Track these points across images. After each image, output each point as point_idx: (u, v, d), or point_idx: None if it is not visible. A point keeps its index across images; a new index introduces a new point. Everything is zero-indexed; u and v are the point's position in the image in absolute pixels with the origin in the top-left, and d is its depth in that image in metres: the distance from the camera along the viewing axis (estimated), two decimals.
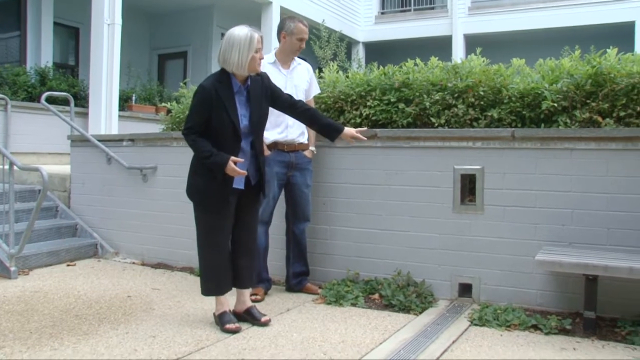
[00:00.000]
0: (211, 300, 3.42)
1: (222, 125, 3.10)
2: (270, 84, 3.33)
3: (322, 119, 3.37)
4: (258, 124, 3.19)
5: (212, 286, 3.30)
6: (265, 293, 4.00)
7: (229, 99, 3.11)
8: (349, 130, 3.34)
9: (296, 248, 4.10)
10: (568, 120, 3.69)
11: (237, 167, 3.07)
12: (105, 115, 7.60)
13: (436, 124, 4.07)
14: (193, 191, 3.23)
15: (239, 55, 3.12)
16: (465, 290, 3.90)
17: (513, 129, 3.76)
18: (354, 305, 3.75)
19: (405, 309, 3.65)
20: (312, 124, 3.39)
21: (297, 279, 4.14)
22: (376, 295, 3.88)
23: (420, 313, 3.59)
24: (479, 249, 3.82)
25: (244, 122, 3.16)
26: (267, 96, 3.28)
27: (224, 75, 3.15)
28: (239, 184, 3.21)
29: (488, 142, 3.79)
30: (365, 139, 3.23)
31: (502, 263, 3.76)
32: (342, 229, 4.26)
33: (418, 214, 4.00)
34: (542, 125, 3.80)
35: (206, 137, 3.11)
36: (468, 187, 3.91)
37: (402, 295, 3.73)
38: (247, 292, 3.41)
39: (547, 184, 3.64)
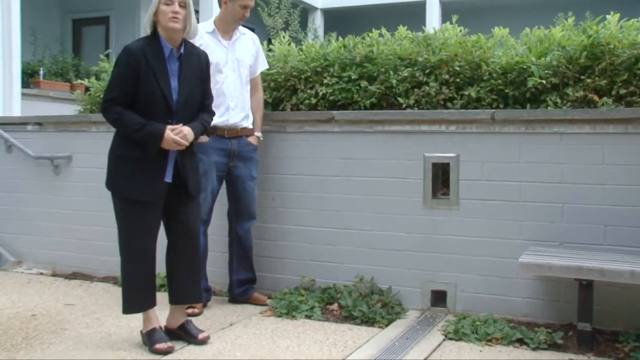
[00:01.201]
0: (139, 315, 3.22)
1: (152, 97, 2.99)
2: (207, 71, 3.25)
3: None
4: (185, 103, 3.08)
5: (134, 302, 3.14)
6: (204, 305, 3.84)
7: (160, 64, 3.01)
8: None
9: (240, 251, 3.96)
10: (558, 100, 3.61)
11: (179, 139, 2.97)
12: (3, 93, 6.96)
13: (404, 105, 3.97)
14: (114, 180, 3.09)
15: (151, 7, 3.08)
16: (439, 298, 3.82)
17: (493, 110, 3.69)
18: (308, 317, 3.66)
19: (368, 321, 3.57)
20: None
21: (242, 288, 3.99)
22: (335, 306, 3.80)
23: (387, 326, 3.52)
24: (455, 251, 3.75)
25: (174, 95, 3.06)
26: (201, 79, 3.20)
27: (153, 38, 3.08)
28: (167, 177, 3.09)
29: (464, 126, 3.71)
30: (187, 143, 3.04)
31: (481, 267, 3.70)
32: (294, 228, 4.17)
33: (383, 209, 3.92)
34: (528, 105, 3.73)
35: (133, 110, 3.02)
36: (441, 178, 3.87)
37: (365, 306, 3.65)
38: (183, 305, 3.29)
39: (533, 174, 3.58)
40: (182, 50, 3.10)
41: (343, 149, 4.01)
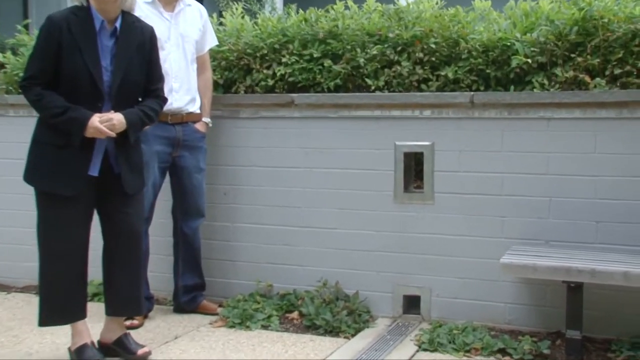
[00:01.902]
0: (66, 330, 3.11)
1: (77, 77, 2.88)
2: (154, 50, 3.14)
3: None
4: (120, 86, 2.96)
5: (55, 312, 3.01)
6: (145, 316, 3.75)
7: (88, 38, 2.89)
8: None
9: (187, 254, 3.91)
10: (546, 81, 3.61)
11: (103, 127, 2.86)
12: None
13: (373, 87, 3.94)
14: (32, 172, 2.98)
15: None
16: (412, 304, 3.82)
17: (473, 93, 3.68)
18: (265, 327, 3.64)
19: (333, 330, 3.56)
20: None
21: (189, 295, 3.93)
22: (295, 314, 3.79)
23: (353, 336, 3.51)
24: (429, 251, 3.75)
25: (106, 75, 2.94)
26: (144, 58, 3.07)
27: (82, 8, 2.96)
28: (91, 171, 2.98)
29: (440, 111, 3.70)
30: (112, 134, 2.92)
31: (459, 268, 3.70)
32: (249, 226, 4.13)
33: (349, 205, 3.90)
34: (512, 87, 3.72)
35: (56, 92, 2.92)
36: (414, 169, 3.89)
37: (329, 313, 3.64)
38: (120, 318, 3.22)
39: (517, 164, 3.58)
40: (117, 23, 2.93)
41: (304, 136, 3.97)
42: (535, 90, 3.60)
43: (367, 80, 3.93)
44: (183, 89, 3.69)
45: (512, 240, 3.54)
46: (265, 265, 4.07)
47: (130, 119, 2.96)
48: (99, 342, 3.13)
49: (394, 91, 3.90)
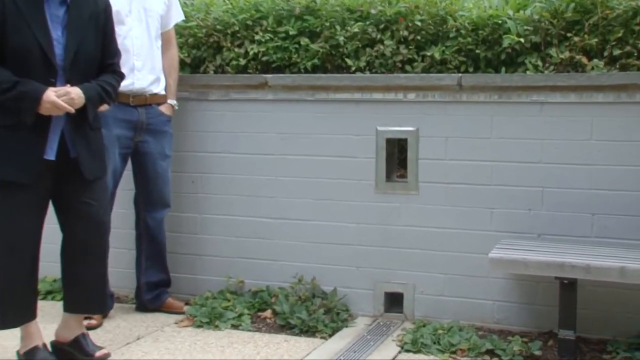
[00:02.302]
0: (15, 331, 3.03)
1: (26, 50, 2.80)
2: (110, 22, 3.10)
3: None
4: (74, 59, 2.90)
5: (11, 313, 2.96)
6: (104, 315, 3.71)
7: (35, 8, 2.82)
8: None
9: (151, 247, 3.87)
10: (540, 63, 3.59)
11: (60, 101, 2.79)
12: None
13: (353, 68, 3.93)
14: None
15: None
16: (394, 302, 3.82)
17: (461, 74, 3.66)
18: (235, 327, 3.61)
19: (309, 330, 3.55)
20: None
21: (154, 293, 3.88)
22: (268, 312, 3.78)
23: (331, 336, 3.50)
24: (413, 245, 3.74)
25: (58, 48, 2.86)
26: (99, 30, 3.03)
27: None
28: (48, 154, 2.89)
29: (425, 94, 3.68)
30: (71, 109, 2.85)
31: (444, 264, 3.70)
32: (218, 218, 4.11)
33: (327, 195, 3.88)
34: (503, 69, 3.70)
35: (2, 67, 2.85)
36: (397, 157, 3.89)
37: (305, 312, 3.63)
38: (80, 316, 3.17)
39: (507, 152, 3.57)
40: None
41: (278, 121, 3.94)
42: (528, 72, 3.58)
43: (347, 60, 3.91)
44: (146, 67, 3.64)
45: (501, 234, 3.53)
46: (236, 260, 4.04)
47: (88, 94, 2.89)
48: (53, 342, 3.08)
49: (376, 72, 3.88)
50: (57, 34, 2.83)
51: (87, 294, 3.10)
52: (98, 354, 3.04)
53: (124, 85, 3.46)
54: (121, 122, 3.56)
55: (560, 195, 3.47)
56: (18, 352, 2.96)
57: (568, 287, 3.13)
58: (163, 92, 3.75)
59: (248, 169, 4.00)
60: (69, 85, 2.87)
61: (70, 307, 3.08)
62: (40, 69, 2.79)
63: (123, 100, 3.52)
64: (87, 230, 3.04)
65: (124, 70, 3.41)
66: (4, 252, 2.87)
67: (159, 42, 3.72)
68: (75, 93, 2.83)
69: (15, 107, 2.76)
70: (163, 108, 3.75)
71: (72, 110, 2.80)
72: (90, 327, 3.43)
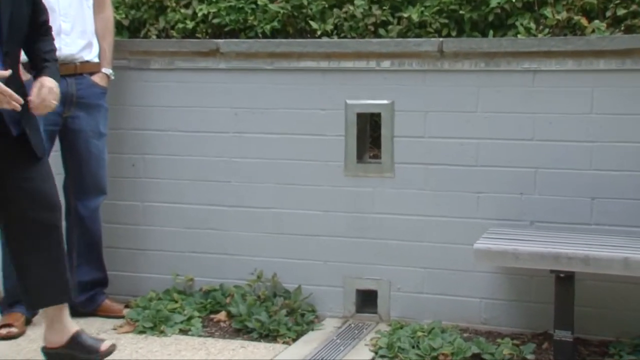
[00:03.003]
0: None
1: None
2: None
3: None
4: (11, 27, 2.88)
5: None
6: (28, 321, 3.60)
7: None
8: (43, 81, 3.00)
9: (84, 241, 3.78)
10: (532, 25, 3.59)
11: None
12: None
13: (319, 32, 3.92)
14: None
15: None
16: (367, 301, 3.79)
17: (442, 39, 3.62)
18: (184, 332, 3.55)
19: (269, 334, 3.51)
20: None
21: (87, 294, 3.78)
22: (222, 315, 3.72)
23: (295, 340, 3.47)
24: (388, 235, 3.70)
25: None
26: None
27: None
28: None
29: (402, 62, 3.62)
30: (54, 104, 3.00)
31: (424, 257, 3.66)
32: (164, 206, 4.05)
33: (289, 179, 3.85)
34: (491, 32, 3.70)
35: None
36: (370, 134, 3.86)
37: (265, 313, 3.59)
38: (66, 308, 3.13)
39: (495, 128, 3.53)
40: None
41: (232, 94, 3.85)
42: (519, 36, 3.60)
43: (311, 23, 3.92)
44: (76, 31, 3.56)
45: (489, 222, 3.51)
46: (185, 255, 3.99)
47: (57, 78, 3.01)
48: (45, 349, 3.04)
49: (345, 37, 3.90)
50: None
51: (51, 280, 3.07)
52: (103, 347, 3.05)
53: None
54: None
55: (555, 177, 3.45)
56: None
57: (564, 282, 3.09)
58: (96, 60, 3.68)
59: (197, 149, 3.92)
60: (4, 55, 2.83)
61: (37, 302, 3.07)
62: None
63: None
64: (41, 210, 3.03)
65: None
66: None
67: (91, 1, 3.61)
68: (54, 86, 2.90)
69: None
70: (96, 78, 3.69)
71: (53, 106, 2.90)
72: (9, 336, 3.38)
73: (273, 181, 3.83)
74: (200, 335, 3.50)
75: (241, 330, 3.53)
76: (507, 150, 3.51)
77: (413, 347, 3.25)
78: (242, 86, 3.84)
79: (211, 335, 3.52)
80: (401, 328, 3.44)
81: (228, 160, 3.91)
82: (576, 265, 2.96)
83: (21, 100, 2.85)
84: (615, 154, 3.38)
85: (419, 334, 3.34)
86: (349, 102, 3.69)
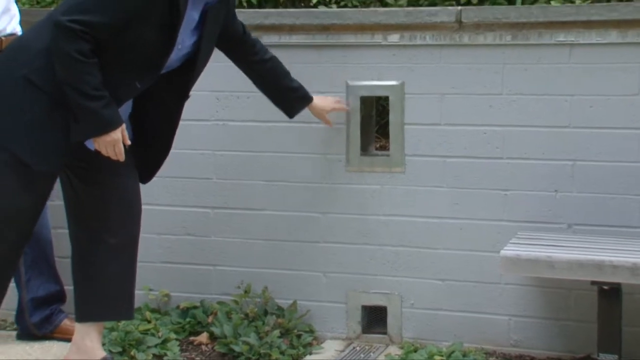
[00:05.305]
0: None
1: (142, 46, 2.96)
2: (232, 4, 3.37)
3: (286, 79, 3.51)
4: (200, 63, 3.16)
5: None
6: None
7: (182, 5, 2.97)
8: (323, 100, 3.52)
9: (32, 250, 3.69)
10: None
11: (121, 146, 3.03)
12: None
13: (315, 1, 4.06)
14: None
15: None
16: (375, 319, 3.76)
17: (460, 7, 3.56)
18: (160, 357, 3.53)
19: (259, 359, 3.48)
20: (267, 85, 3.55)
21: (43, 313, 3.72)
22: (204, 337, 3.69)
23: None
24: (399, 241, 3.65)
25: (182, 52, 3.07)
26: (220, 27, 3.26)
27: None
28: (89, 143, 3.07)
29: (414, 35, 3.58)
30: (349, 109, 3.49)
31: (441, 266, 3.62)
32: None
33: (282, 176, 3.82)
34: (518, 0, 3.67)
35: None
36: (376, 122, 3.88)
37: (254, 334, 3.55)
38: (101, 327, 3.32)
39: (524, 112, 3.48)
40: None
41: (213, 74, 3.68)
42: (553, 2, 3.61)
43: None
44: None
45: (518, 224, 3.46)
46: (159, 266, 3.95)
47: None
48: None
49: (345, 6, 3.98)
50: (183, 35, 3.00)
51: (112, 292, 3.21)
52: None
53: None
54: None
55: (597, 171, 3.39)
56: None
57: (609, 296, 3.06)
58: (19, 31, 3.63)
59: (182, 141, 3.73)
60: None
61: (89, 312, 3.16)
62: (139, 72, 2.97)
63: None
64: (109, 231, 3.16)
65: None
66: None
67: None
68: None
69: (76, 114, 2.90)
70: None
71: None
72: None
73: (262, 178, 3.79)
74: None
75: (226, 355, 3.52)
76: (538, 140, 3.46)
77: None
78: (224, 65, 3.68)
79: None
80: (415, 351, 3.45)
81: (209, 153, 3.87)
82: (622, 275, 2.93)
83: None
84: None
85: (437, 358, 3.34)
86: (350, 83, 3.66)
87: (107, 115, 2.94)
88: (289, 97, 3.57)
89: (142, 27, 2.96)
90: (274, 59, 3.55)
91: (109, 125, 2.94)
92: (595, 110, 3.38)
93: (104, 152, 3.00)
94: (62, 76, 2.93)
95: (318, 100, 3.58)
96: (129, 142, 3.09)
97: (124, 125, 3.00)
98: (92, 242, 3.26)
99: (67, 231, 3.85)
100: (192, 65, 3.20)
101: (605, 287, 3.02)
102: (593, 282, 3.03)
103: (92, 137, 3.00)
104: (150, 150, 3.36)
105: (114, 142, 2.97)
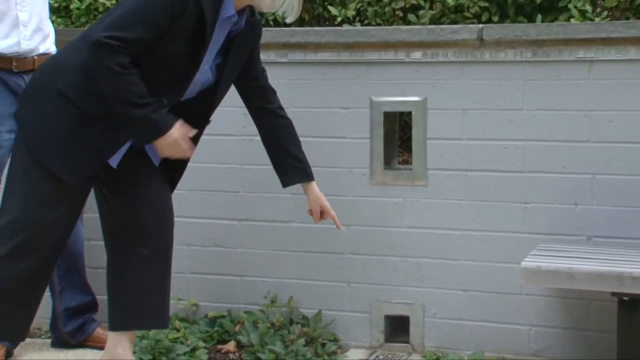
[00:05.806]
0: None
1: (171, 60, 2.99)
2: (258, 39, 3.37)
3: (293, 145, 3.45)
4: (221, 92, 3.19)
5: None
6: (9, 353, 3.60)
7: (209, 24, 3.00)
8: (322, 196, 3.40)
9: (65, 261, 3.70)
10: (588, 7, 3.69)
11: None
12: None
13: (339, 19, 4.04)
14: (38, 135, 3.01)
15: None
16: (398, 328, 3.76)
17: (482, 25, 3.58)
18: None
19: None
20: (272, 140, 3.46)
21: (76, 322, 3.74)
22: (231, 345, 3.70)
23: None
24: (421, 252, 3.68)
25: (206, 75, 3.10)
26: (243, 61, 3.28)
27: None
28: (113, 159, 3.05)
29: (435, 52, 3.61)
30: (343, 229, 3.44)
31: (463, 277, 3.64)
32: None
33: None
34: (539, 17, 3.78)
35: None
36: (398, 137, 3.89)
37: (280, 343, 3.56)
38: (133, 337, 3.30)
39: (545, 128, 3.50)
40: (243, 20, 3.07)
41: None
42: (572, 20, 3.56)
43: (330, 8, 4.01)
44: (34, 16, 3.55)
45: (538, 236, 3.48)
46: (189, 276, 3.97)
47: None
48: None
49: (369, 24, 3.95)
50: (209, 56, 3.02)
51: (146, 302, 3.19)
52: None
53: (6, 46, 3.48)
54: (7, 93, 3.47)
55: (616, 184, 3.40)
56: None
57: (629, 307, 3.04)
58: (55, 51, 3.62)
59: (199, 154, 3.60)
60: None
61: (122, 322, 3.16)
62: (169, 88, 2.98)
63: (4, 65, 3.46)
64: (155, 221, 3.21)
65: (5, 23, 3.46)
66: (15, 246, 2.94)
67: None
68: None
69: (130, 126, 2.92)
70: None
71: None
72: None
73: (288, 191, 3.62)
74: None
75: None
76: (559, 154, 3.47)
77: None
78: None
79: None
80: None
81: (237, 168, 3.89)
82: None
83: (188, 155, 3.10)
84: None
85: None
86: (374, 99, 3.68)
87: (158, 119, 2.96)
88: (289, 164, 3.46)
89: (171, 43, 2.98)
90: (289, 120, 3.48)
91: (163, 128, 2.95)
92: (614, 125, 3.38)
93: (169, 155, 3.03)
94: (106, 92, 2.97)
95: (317, 190, 3.44)
96: (192, 133, 3.08)
97: (180, 121, 3.01)
98: (126, 253, 3.22)
99: (100, 243, 3.78)
100: (213, 93, 3.20)
101: (625, 298, 3.01)
102: (613, 294, 3.01)
103: (151, 143, 3.02)
104: (167, 163, 3.34)
105: (174, 142, 2.99)
